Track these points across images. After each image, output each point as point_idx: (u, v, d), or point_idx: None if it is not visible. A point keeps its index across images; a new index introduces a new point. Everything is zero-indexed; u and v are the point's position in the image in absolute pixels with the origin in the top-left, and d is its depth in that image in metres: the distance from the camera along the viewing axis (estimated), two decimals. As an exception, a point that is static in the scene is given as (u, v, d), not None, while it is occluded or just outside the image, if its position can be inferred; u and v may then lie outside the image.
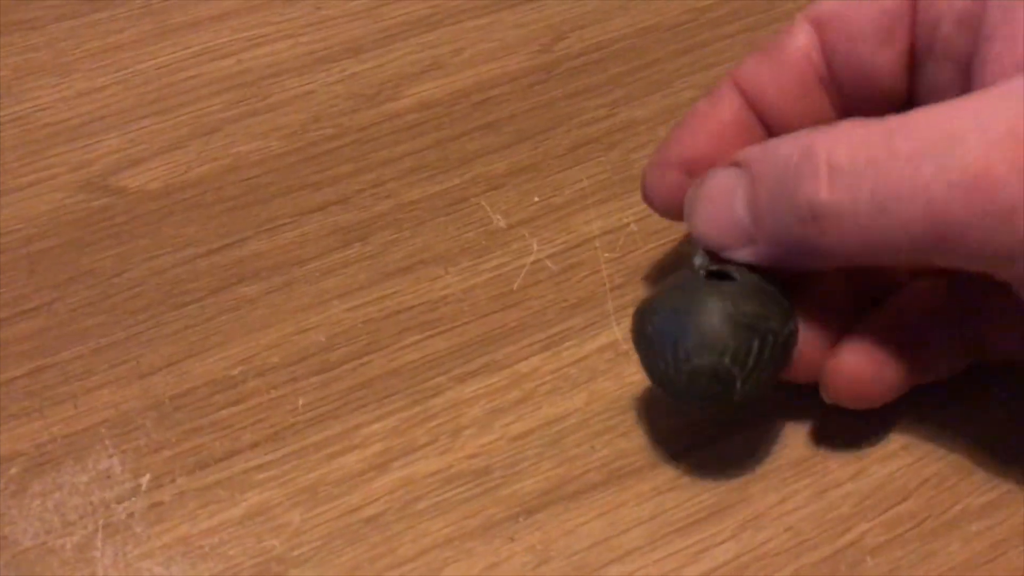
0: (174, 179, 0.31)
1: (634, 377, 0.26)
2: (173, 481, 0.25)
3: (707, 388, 0.22)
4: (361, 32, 0.35)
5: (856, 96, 0.25)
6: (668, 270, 0.28)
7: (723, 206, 0.23)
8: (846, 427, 0.25)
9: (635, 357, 0.26)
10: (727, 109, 0.25)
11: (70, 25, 0.35)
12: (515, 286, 0.28)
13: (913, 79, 0.24)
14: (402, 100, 0.33)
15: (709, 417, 0.25)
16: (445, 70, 0.34)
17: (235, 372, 0.27)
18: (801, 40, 0.25)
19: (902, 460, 0.25)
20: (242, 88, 0.33)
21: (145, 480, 0.25)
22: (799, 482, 0.24)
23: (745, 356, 0.22)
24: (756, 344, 0.22)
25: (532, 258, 0.29)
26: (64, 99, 0.33)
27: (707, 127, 0.25)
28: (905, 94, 0.25)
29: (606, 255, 0.29)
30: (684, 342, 0.22)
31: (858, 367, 0.23)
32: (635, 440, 0.25)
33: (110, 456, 0.25)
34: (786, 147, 0.22)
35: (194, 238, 0.29)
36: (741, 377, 0.22)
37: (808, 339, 0.24)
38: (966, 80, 0.23)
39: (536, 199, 0.30)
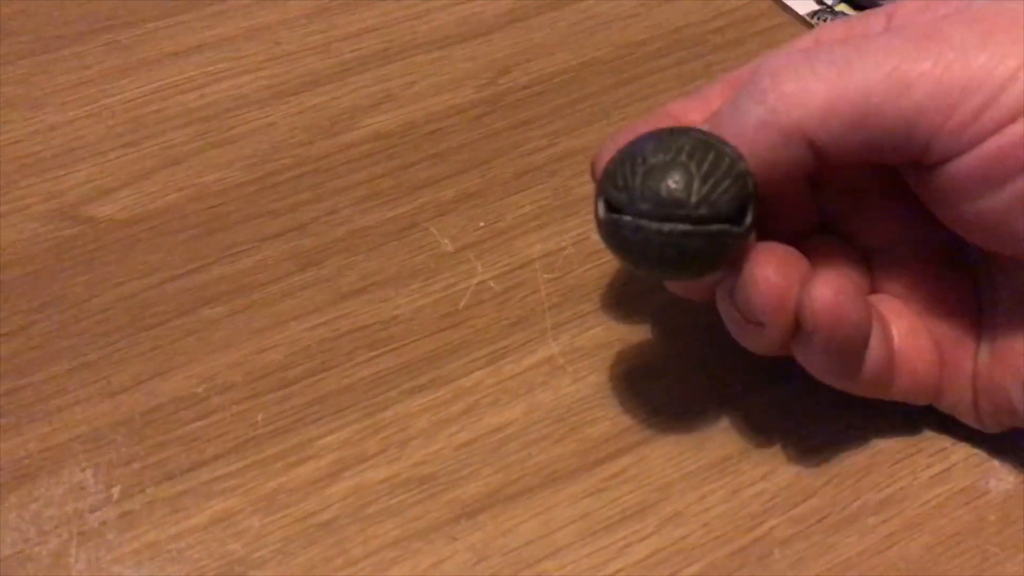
0: (141, 208, 0.33)
1: (568, 388, 0.28)
2: (142, 491, 0.26)
3: (663, 185, 0.22)
4: (318, 66, 0.37)
5: None
6: (603, 290, 0.31)
7: None
8: (759, 432, 0.27)
9: (570, 370, 0.29)
10: (666, 120, 0.26)
11: (41, 60, 0.37)
12: (461, 306, 0.30)
13: None
14: (357, 131, 0.35)
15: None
16: (397, 102, 0.36)
17: (200, 389, 0.28)
18: (718, 87, 0.27)
19: (809, 461, 0.27)
20: (205, 121, 0.35)
21: (116, 491, 0.26)
22: (716, 482, 0.26)
23: (701, 159, 0.23)
24: (712, 155, 0.23)
25: (477, 280, 0.31)
26: (36, 132, 0.35)
27: (654, 124, 0.26)
28: None
29: (545, 276, 0.31)
30: (642, 151, 0.23)
31: (836, 285, 0.24)
32: (568, 446, 0.27)
33: (83, 469, 0.27)
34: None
35: (160, 264, 0.31)
36: (699, 175, 0.23)
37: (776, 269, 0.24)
38: None
39: (481, 224, 0.32)
